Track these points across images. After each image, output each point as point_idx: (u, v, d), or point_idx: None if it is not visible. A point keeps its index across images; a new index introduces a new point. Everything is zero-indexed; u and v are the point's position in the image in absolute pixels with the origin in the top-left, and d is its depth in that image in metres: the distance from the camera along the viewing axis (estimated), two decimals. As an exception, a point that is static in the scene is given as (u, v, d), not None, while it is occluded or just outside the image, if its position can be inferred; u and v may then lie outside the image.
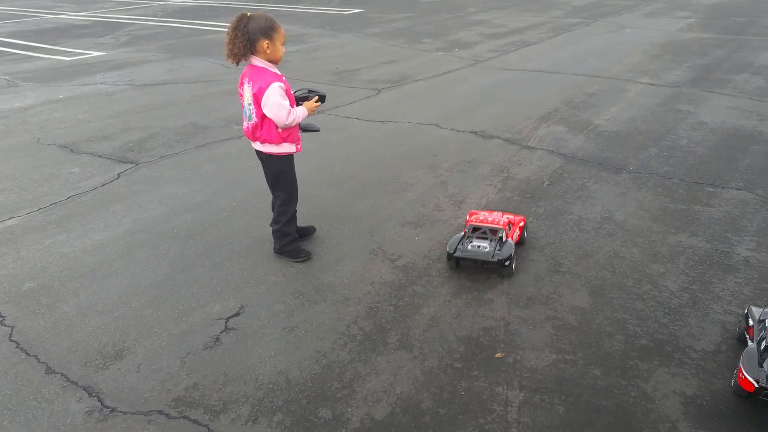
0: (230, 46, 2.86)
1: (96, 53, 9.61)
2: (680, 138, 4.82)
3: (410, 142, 5.04)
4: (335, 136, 5.29)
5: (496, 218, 3.20)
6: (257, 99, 2.92)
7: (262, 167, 3.27)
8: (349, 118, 5.76)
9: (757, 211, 3.58)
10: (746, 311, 2.49)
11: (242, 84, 3.04)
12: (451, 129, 5.31)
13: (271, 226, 3.35)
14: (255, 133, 3.06)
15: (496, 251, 3.02)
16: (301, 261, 3.30)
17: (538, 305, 2.81)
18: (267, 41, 2.91)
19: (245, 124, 3.10)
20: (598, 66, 7.33)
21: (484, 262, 3.03)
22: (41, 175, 4.64)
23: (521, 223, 3.30)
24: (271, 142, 3.06)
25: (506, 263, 2.99)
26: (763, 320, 2.33)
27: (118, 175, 4.62)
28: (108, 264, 3.33)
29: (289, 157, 3.19)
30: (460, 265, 3.14)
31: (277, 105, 2.89)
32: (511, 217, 3.27)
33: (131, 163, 4.85)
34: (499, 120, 5.48)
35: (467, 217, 3.32)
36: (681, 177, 4.10)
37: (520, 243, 3.28)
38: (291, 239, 3.33)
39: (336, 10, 13.60)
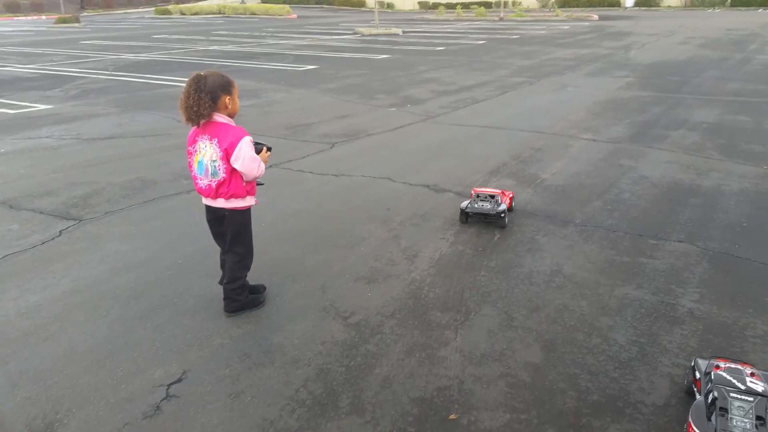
0: (195, 108, 2.84)
1: (43, 106, 9.41)
2: (623, 191, 4.98)
3: (363, 196, 5.05)
4: (288, 190, 5.26)
5: (493, 190, 4.49)
6: (228, 154, 2.92)
7: (213, 227, 3.23)
8: (303, 171, 5.75)
9: (699, 263, 3.70)
10: (693, 364, 2.52)
11: (194, 142, 3.00)
12: (404, 182, 5.36)
13: (224, 284, 3.25)
14: (219, 190, 3.02)
15: (495, 208, 4.26)
16: (262, 304, 3.32)
17: (492, 362, 2.79)
18: (228, 97, 2.95)
19: (203, 182, 3.03)
20: (543, 123, 7.60)
21: (486, 215, 4.29)
22: (-25, 232, 4.42)
23: (511, 195, 4.59)
24: (237, 197, 3.06)
25: (502, 215, 4.25)
26: (709, 372, 2.37)
27: (59, 232, 4.44)
28: (43, 327, 3.15)
29: (249, 211, 3.20)
30: (468, 221, 4.41)
31: (249, 158, 2.94)
32: (503, 190, 4.61)
33: (74, 219, 4.68)
34: (451, 174, 5.57)
35: (471, 191, 4.54)
36: (625, 230, 4.21)
37: (510, 209, 4.52)
38: (247, 290, 3.30)
39: (290, 67, 13.80)
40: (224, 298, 3.27)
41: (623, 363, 2.75)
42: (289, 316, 3.23)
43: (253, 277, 3.55)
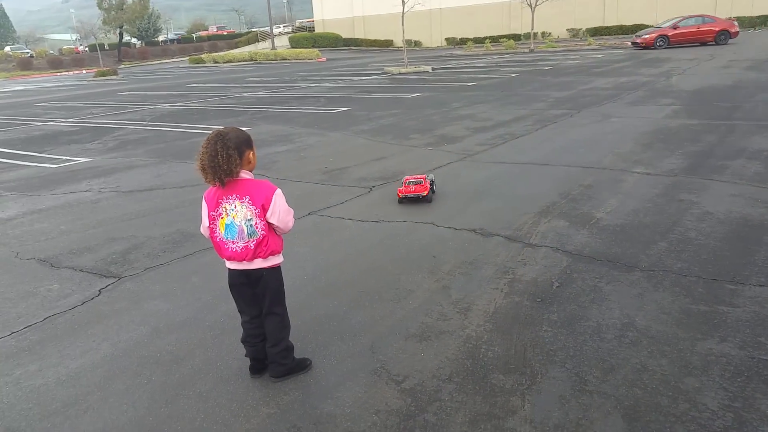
0: (225, 167, 2.66)
1: (82, 159, 9.56)
2: (688, 230, 4.64)
3: (407, 243, 4.83)
4: (328, 239, 5.08)
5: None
6: (265, 210, 2.76)
7: (242, 292, 2.99)
8: (342, 218, 5.58)
9: (786, 310, 3.34)
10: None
11: (217, 205, 2.80)
12: (448, 227, 5.13)
13: (268, 348, 3.04)
14: (258, 250, 2.83)
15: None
16: (309, 367, 3.13)
17: (568, 434, 2.49)
18: (251, 151, 2.82)
19: (237, 245, 2.82)
20: (589, 157, 7.31)
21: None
22: (17, 293, 4.35)
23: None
24: (275, 253, 2.90)
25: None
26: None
27: (99, 291, 4.34)
28: (83, 398, 2.99)
29: (281, 267, 3.01)
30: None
31: (285, 210, 2.82)
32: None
33: (113, 277, 4.58)
34: (497, 216, 5.32)
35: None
36: (697, 274, 3.87)
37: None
38: (293, 352, 3.10)
39: (323, 110, 13.86)
40: (270, 363, 3.06)
41: (719, 434, 2.42)
42: (338, 381, 2.99)
43: (297, 337, 3.37)
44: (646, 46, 28.32)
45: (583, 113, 10.74)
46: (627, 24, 42.82)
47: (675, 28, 28.44)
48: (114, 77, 35.09)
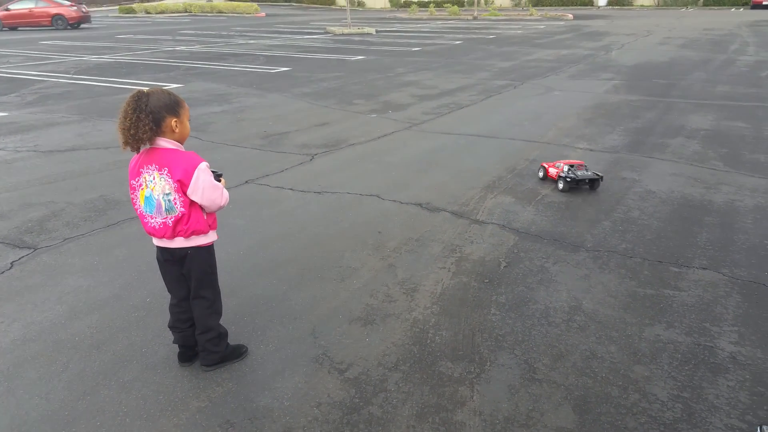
0: (132, 131, 2.35)
1: (-4, 114, 8.74)
2: (631, 209, 4.64)
3: (351, 217, 4.62)
4: (267, 210, 4.79)
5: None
6: (183, 185, 2.45)
7: (168, 270, 2.71)
8: (282, 188, 5.29)
9: (729, 295, 3.36)
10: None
11: (137, 174, 2.50)
12: (394, 200, 4.94)
13: (197, 336, 2.77)
14: (177, 228, 2.53)
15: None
16: (244, 355, 2.90)
17: (518, 428, 2.39)
18: (175, 119, 2.47)
19: (156, 220, 2.53)
20: (534, 130, 7.26)
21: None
22: None
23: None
24: (199, 233, 2.58)
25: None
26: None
27: (11, 264, 3.93)
28: (-13, 389, 2.66)
29: (212, 247, 2.73)
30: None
31: (210, 187, 2.50)
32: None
33: (28, 248, 4.16)
34: (443, 190, 5.17)
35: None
36: (642, 255, 3.86)
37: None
38: (226, 339, 2.85)
39: (262, 69, 13.26)
40: (200, 350, 2.81)
41: (669, 426, 2.38)
42: (277, 370, 2.79)
43: (233, 320, 3.13)
44: None
45: (527, 85, 10.71)
46: (569, -4, 43.34)
47: (7, 10, 27.42)
48: (34, 24, 32.49)
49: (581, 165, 5.17)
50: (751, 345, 2.90)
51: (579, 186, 5.07)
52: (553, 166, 5.24)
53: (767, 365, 2.74)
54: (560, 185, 5.05)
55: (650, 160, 5.94)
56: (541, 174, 5.38)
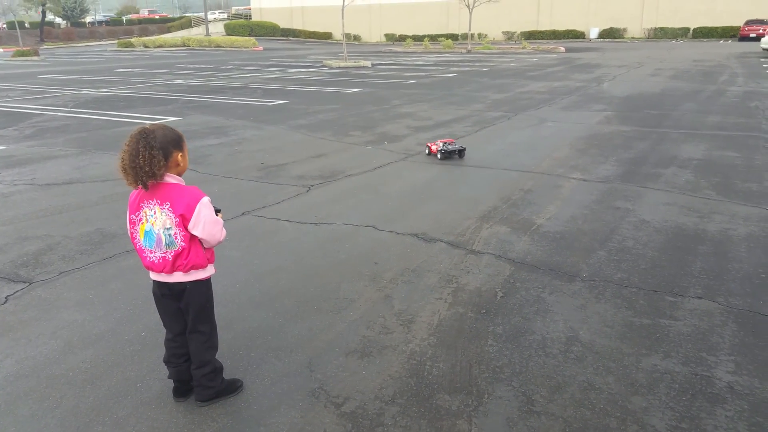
0: (147, 168, 2.37)
1: (-6, 147, 8.79)
2: (626, 239, 4.67)
3: (347, 248, 4.63)
4: (263, 242, 4.80)
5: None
6: (185, 220, 2.47)
7: (165, 305, 2.71)
8: (278, 219, 5.31)
9: (725, 324, 3.36)
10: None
11: (138, 209, 2.52)
12: (390, 231, 4.96)
13: (193, 371, 2.75)
14: (177, 262, 2.54)
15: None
16: (240, 389, 2.88)
17: (516, 461, 2.36)
18: (180, 153, 2.51)
19: (155, 255, 2.53)
20: (528, 161, 7.33)
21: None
22: None
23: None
24: (198, 267, 2.60)
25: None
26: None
27: (5, 298, 3.91)
28: (-23, 427, 2.62)
29: (210, 281, 2.74)
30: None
31: (212, 221, 2.52)
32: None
33: (23, 282, 4.15)
34: (439, 220, 5.20)
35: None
36: (637, 285, 3.87)
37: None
38: (222, 373, 2.83)
39: (259, 102, 13.41)
40: (195, 385, 2.79)
41: (668, 458, 2.36)
42: (272, 405, 2.76)
43: (228, 354, 3.11)
44: None
45: (520, 116, 10.84)
46: (560, 29, 44.22)
47: None
48: (35, 58, 32.92)
49: (452, 142, 7.60)
50: (748, 374, 2.89)
51: (451, 156, 7.47)
52: (434, 144, 7.54)
53: (765, 395, 2.74)
54: (438, 156, 7.41)
55: (644, 190, 5.99)
56: (426, 151, 7.75)
